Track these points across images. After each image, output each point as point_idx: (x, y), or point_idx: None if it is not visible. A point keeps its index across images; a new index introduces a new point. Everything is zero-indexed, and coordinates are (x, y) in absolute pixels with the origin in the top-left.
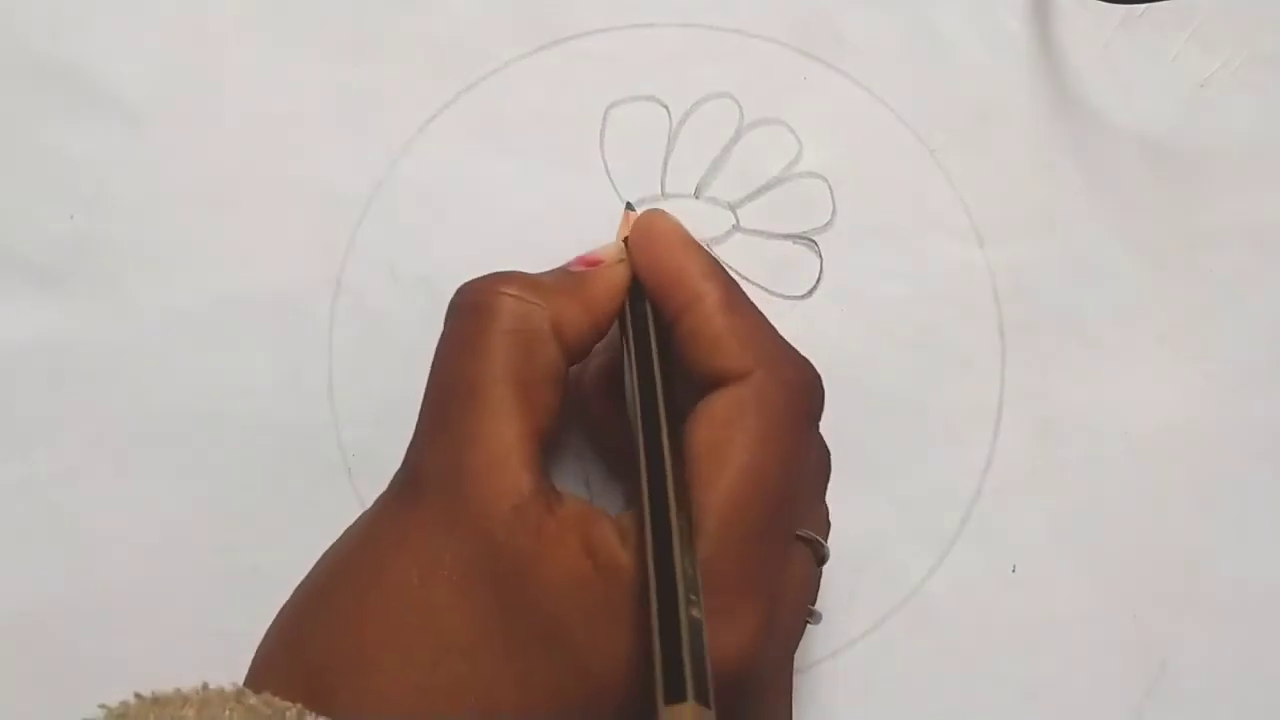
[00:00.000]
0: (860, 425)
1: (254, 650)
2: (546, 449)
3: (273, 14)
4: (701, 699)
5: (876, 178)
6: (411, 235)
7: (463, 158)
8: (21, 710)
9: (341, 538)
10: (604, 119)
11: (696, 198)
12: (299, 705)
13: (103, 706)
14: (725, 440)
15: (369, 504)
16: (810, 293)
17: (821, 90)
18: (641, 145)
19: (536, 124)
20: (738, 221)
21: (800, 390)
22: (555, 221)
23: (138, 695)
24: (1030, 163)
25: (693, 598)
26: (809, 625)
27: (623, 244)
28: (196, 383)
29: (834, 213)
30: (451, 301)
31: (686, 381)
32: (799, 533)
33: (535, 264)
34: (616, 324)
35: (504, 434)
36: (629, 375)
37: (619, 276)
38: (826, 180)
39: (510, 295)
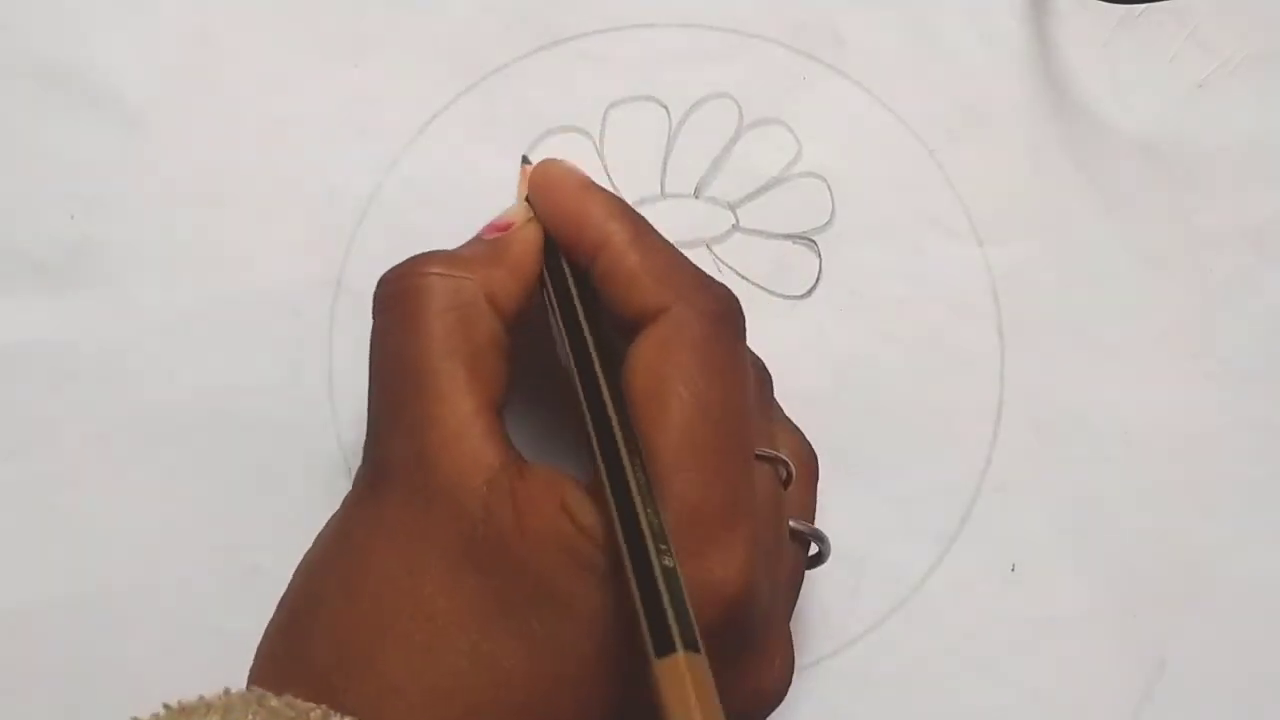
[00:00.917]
0: (860, 425)
1: (254, 649)
2: (505, 418)
3: (273, 14)
4: (690, 646)
5: (876, 178)
6: (412, 235)
7: (463, 158)
8: (21, 710)
9: (317, 543)
10: (604, 119)
11: (696, 198)
12: (323, 706)
13: (134, 719)
14: (661, 381)
15: None
16: (810, 293)
17: (821, 90)
18: (641, 145)
19: (536, 124)
20: (737, 221)
21: (721, 316)
22: None
23: (166, 706)
24: (1030, 163)
25: (662, 547)
26: (821, 559)
27: (525, 203)
28: (196, 383)
29: (834, 213)
30: (376, 293)
31: (613, 328)
32: (758, 452)
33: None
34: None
35: (460, 410)
36: (557, 333)
37: (534, 234)
38: (826, 180)
39: (436, 274)
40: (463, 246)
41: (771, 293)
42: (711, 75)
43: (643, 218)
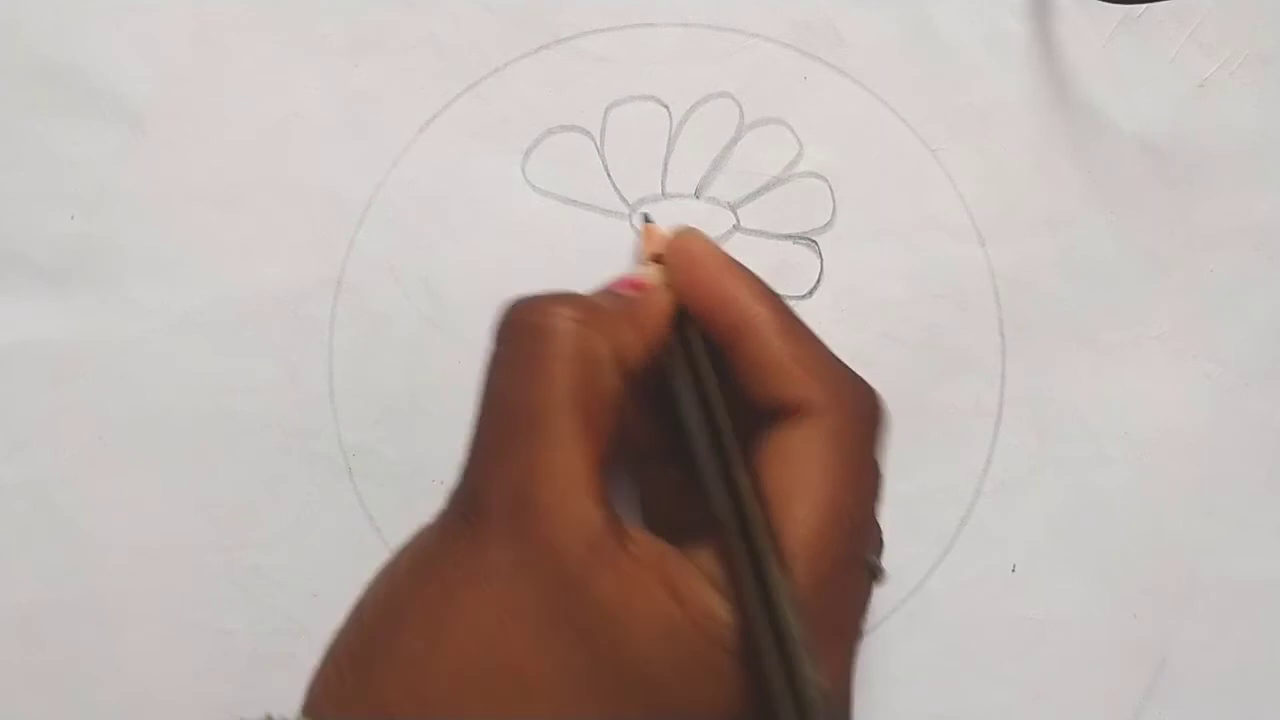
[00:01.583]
0: None
1: (254, 650)
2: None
3: (273, 14)
4: None
5: (876, 178)
6: (412, 236)
7: (463, 158)
8: (21, 710)
9: (398, 562)
10: (604, 119)
11: (697, 198)
12: None
13: None
14: (801, 478)
15: (369, 504)
16: (810, 293)
17: (821, 90)
18: (641, 145)
19: (536, 124)
20: (738, 221)
21: (869, 419)
22: (555, 222)
23: None
24: (1030, 163)
25: (815, 662)
26: None
27: (660, 267)
28: (196, 383)
29: (834, 213)
30: (504, 320)
31: (740, 405)
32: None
33: (535, 264)
34: None
35: (573, 466)
36: (684, 402)
37: (666, 301)
38: (826, 180)
39: (570, 319)
40: (597, 296)
41: None
42: (712, 75)
43: (785, 302)
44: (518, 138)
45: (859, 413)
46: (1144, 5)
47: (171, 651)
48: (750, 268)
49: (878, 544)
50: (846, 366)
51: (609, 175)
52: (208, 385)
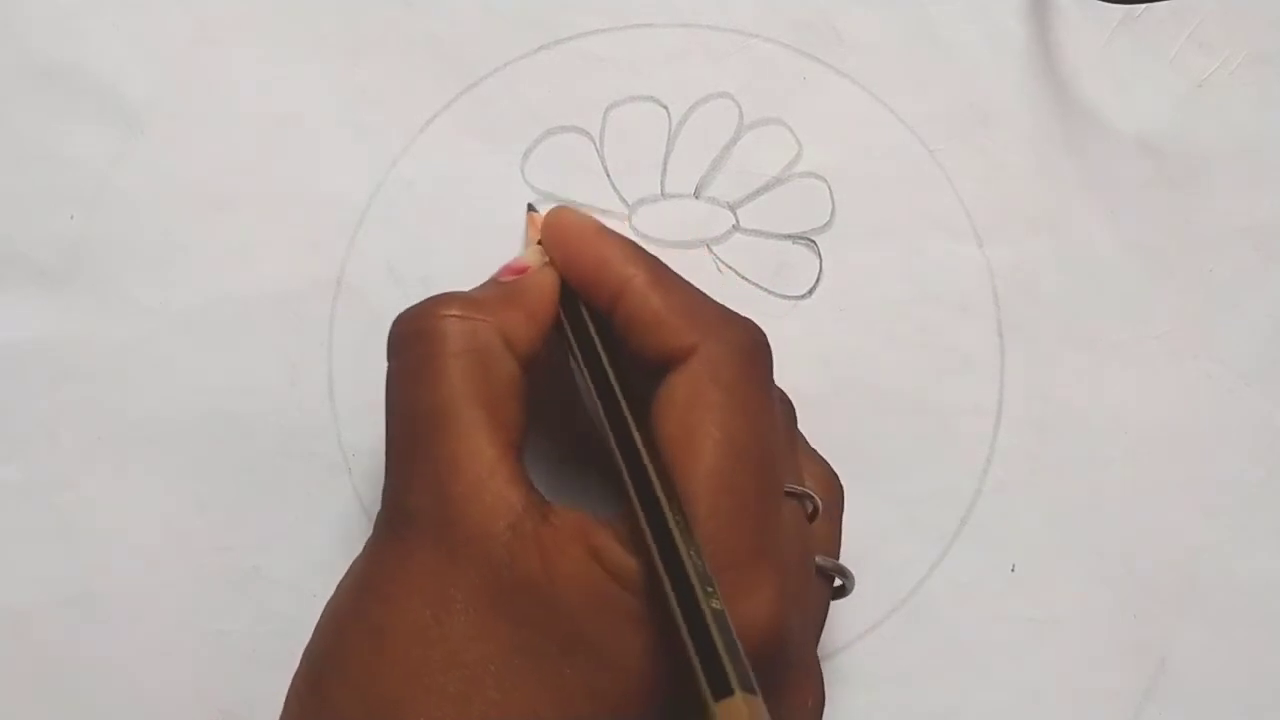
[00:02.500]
0: (860, 425)
1: (253, 650)
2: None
3: (273, 14)
4: (747, 688)
5: (876, 178)
6: (411, 235)
7: (463, 158)
8: (21, 710)
9: (340, 591)
10: (604, 119)
11: (696, 198)
12: None
13: None
14: (693, 421)
15: (369, 504)
16: (810, 293)
17: (821, 90)
18: (641, 145)
19: (536, 124)
20: (738, 221)
21: (750, 351)
22: None
23: None
24: (1030, 163)
25: (709, 589)
26: (845, 591)
27: (539, 247)
28: (196, 383)
29: (834, 213)
30: (392, 334)
31: (634, 368)
32: (786, 489)
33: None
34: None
35: (482, 454)
36: (580, 377)
37: (549, 279)
38: (826, 180)
39: (453, 316)
40: (477, 289)
41: (771, 293)
42: (711, 75)
43: (659, 260)
44: (518, 138)
45: (738, 345)
46: (1144, 5)
47: (171, 651)
48: (749, 268)
49: (798, 473)
50: (723, 307)
51: (608, 175)
52: (208, 385)
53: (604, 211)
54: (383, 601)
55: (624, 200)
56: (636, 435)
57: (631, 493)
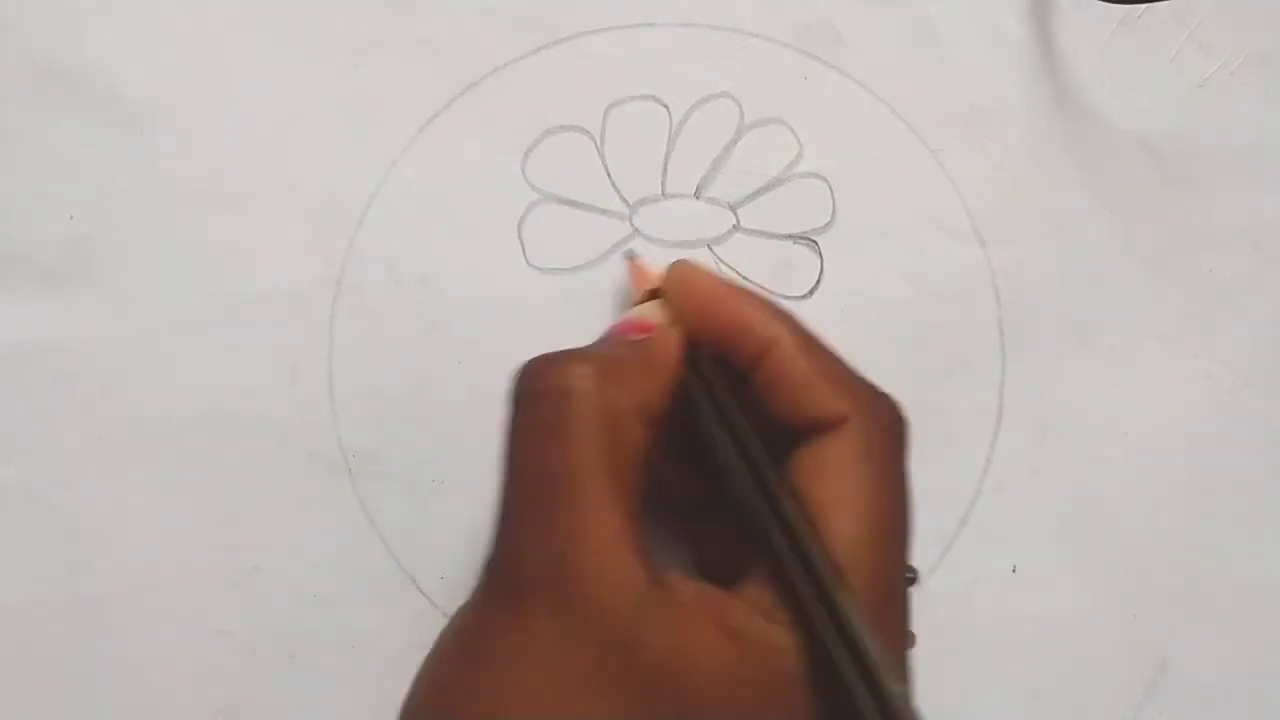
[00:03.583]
0: None
1: (252, 650)
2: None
3: (273, 14)
4: None
5: (876, 178)
6: (411, 235)
7: (463, 158)
8: (21, 710)
9: (442, 648)
10: (604, 119)
11: (696, 198)
12: None
13: None
14: (842, 490)
15: (368, 504)
16: (810, 293)
17: (821, 90)
18: (641, 145)
19: (536, 124)
20: (738, 221)
21: (898, 432)
22: (555, 222)
23: None
24: (1030, 163)
25: (894, 672)
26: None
27: (659, 303)
28: (196, 383)
29: (834, 213)
30: (521, 384)
31: (767, 430)
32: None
33: (535, 264)
34: None
35: (608, 527)
36: (713, 435)
37: (676, 338)
38: (826, 180)
39: (589, 376)
40: (607, 347)
41: (772, 293)
42: (712, 75)
43: (799, 318)
44: (518, 138)
45: (887, 423)
46: (1144, 5)
47: (170, 651)
48: (750, 268)
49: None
50: (866, 379)
51: (609, 175)
52: (207, 385)
53: (604, 211)
54: (502, 671)
55: (624, 200)
56: (787, 500)
57: (789, 562)
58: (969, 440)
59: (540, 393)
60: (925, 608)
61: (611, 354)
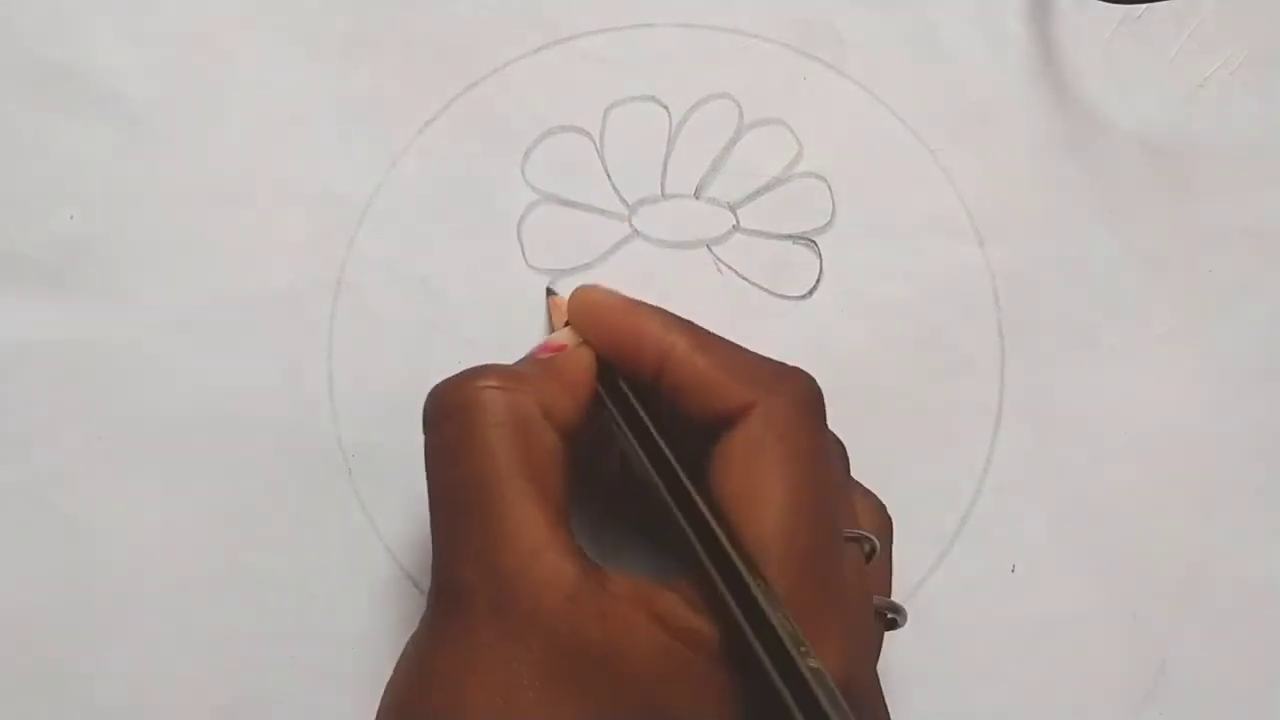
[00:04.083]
0: (860, 425)
1: (252, 651)
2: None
3: (273, 14)
4: None
5: (876, 178)
6: (411, 236)
7: (463, 158)
8: (20, 710)
9: (400, 671)
10: (604, 119)
11: (696, 198)
12: None
13: None
14: (755, 479)
15: (369, 504)
16: (810, 293)
17: (821, 90)
18: (641, 145)
19: (536, 124)
20: (738, 221)
21: (805, 402)
22: (555, 223)
23: None
24: (1030, 163)
25: (803, 649)
26: (897, 625)
27: (570, 329)
28: (196, 383)
29: (834, 213)
30: (428, 407)
31: (680, 433)
32: (846, 534)
33: (534, 264)
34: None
35: (531, 526)
36: (631, 449)
37: (586, 356)
38: (826, 180)
39: (492, 387)
40: (515, 364)
41: (772, 293)
42: (711, 75)
43: (694, 323)
44: (518, 138)
45: (798, 398)
46: (1144, 5)
47: (171, 652)
48: (750, 268)
49: (853, 514)
50: (772, 360)
51: (608, 176)
52: (207, 385)
53: (604, 211)
54: (447, 684)
55: (624, 200)
56: (698, 499)
57: (703, 556)
58: (969, 440)
59: (446, 412)
60: (925, 608)
61: (514, 368)
